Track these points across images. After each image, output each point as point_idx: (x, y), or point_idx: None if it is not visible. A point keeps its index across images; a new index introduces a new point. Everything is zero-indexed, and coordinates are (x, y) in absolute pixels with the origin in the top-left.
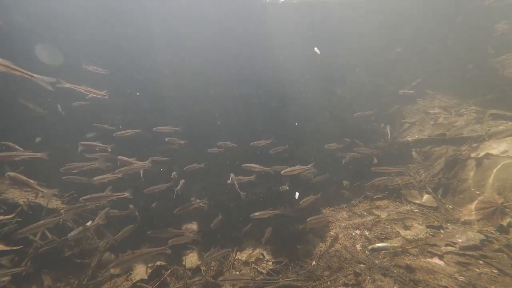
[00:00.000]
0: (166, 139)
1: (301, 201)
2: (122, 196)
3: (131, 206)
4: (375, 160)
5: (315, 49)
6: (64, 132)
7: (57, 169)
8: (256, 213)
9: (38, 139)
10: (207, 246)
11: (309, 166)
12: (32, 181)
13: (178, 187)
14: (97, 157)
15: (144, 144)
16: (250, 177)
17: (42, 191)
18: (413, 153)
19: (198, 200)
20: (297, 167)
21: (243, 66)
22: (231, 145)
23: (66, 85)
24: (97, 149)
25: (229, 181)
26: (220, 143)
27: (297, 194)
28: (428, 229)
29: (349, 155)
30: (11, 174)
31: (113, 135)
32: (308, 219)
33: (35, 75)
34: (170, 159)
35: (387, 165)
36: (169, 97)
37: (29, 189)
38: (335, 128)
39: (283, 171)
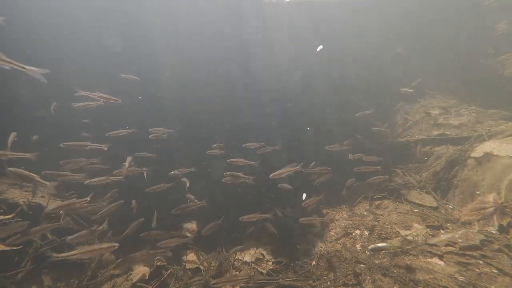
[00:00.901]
0: (150, 136)
1: (304, 203)
2: (84, 201)
3: (133, 201)
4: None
5: (320, 47)
6: (65, 133)
7: (57, 169)
8: (245, 217)
9: (35, 137)
10: (208, 247)
11: (297, 167)
12: (34, 175)
13: (187, 184)
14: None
15: (139, 143)
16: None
17: (46, 184)
18: (418, 151)
19: (196, 201)
20: (285, 169)
21: (244, 67)
22: (221, 145)
23: (82, 93)
24: (87, 148)
25: (225, 179)
26: (214, 145)
27: (304, 195)
28: (428, 229)
29: (357, 155)
30: (13, 169)
31: (106, 135)
32: (299, 220)
33: (26, 67)
34: (155, 155)
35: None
36: (169, 97)
37: (32, 183)
38: (336, 128)
39: (271, 175)
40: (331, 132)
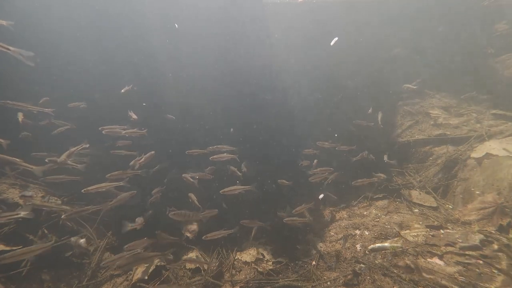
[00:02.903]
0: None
1: (293, 210)
2: (15, 216)
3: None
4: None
5: (335, 39)
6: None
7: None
8: (209, 234)
9: (25, 134)
10: (208, 247)
11: (249, 186)
12: (17, 159)
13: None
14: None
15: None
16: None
17: (32, 168)
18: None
19: (196, 202)
20: (236, 187)
21: (245, 68)
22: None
23: (133, 117)
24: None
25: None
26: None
27: (321, 195)
28: (428, 229)
29: (361, 154)
30: None
31: (100, 129)
32: (284, 220)
33: (12, 48)
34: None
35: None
36: (169, 99)
37: (15, 167)
38: (336, 128)
39: (221, 191)
40: (331, 132)
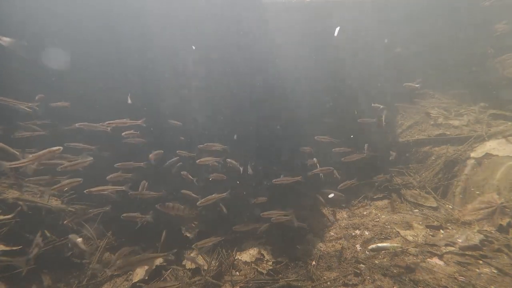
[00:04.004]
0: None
1: (272, 219)
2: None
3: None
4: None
5: (337, 29)
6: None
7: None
8: (199, 242)
9: (20, 132)
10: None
11: (225, 193)
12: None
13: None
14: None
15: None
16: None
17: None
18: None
19: (194, 195)
20: (214, 195)
21: (246, 68)
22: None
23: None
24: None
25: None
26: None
27: (331, 195)
28: (428, 229)
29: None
30: None
31: (76, 125)
32: (272, 219)
33: (4, 38)
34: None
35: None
36: (167, 100)
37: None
38: (336, 127)
39: (198, 203)
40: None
